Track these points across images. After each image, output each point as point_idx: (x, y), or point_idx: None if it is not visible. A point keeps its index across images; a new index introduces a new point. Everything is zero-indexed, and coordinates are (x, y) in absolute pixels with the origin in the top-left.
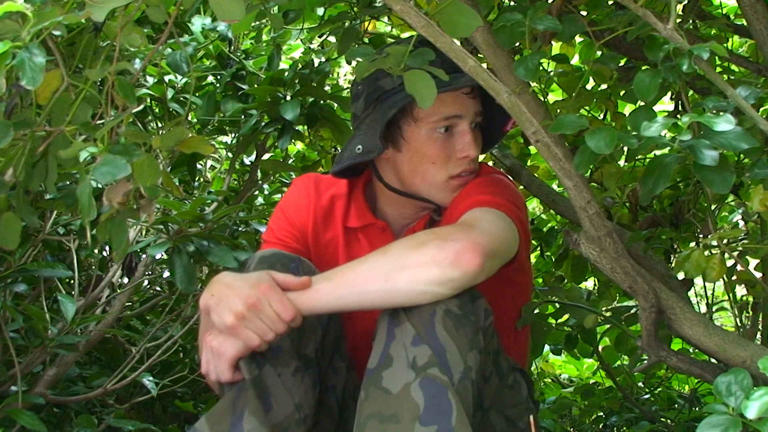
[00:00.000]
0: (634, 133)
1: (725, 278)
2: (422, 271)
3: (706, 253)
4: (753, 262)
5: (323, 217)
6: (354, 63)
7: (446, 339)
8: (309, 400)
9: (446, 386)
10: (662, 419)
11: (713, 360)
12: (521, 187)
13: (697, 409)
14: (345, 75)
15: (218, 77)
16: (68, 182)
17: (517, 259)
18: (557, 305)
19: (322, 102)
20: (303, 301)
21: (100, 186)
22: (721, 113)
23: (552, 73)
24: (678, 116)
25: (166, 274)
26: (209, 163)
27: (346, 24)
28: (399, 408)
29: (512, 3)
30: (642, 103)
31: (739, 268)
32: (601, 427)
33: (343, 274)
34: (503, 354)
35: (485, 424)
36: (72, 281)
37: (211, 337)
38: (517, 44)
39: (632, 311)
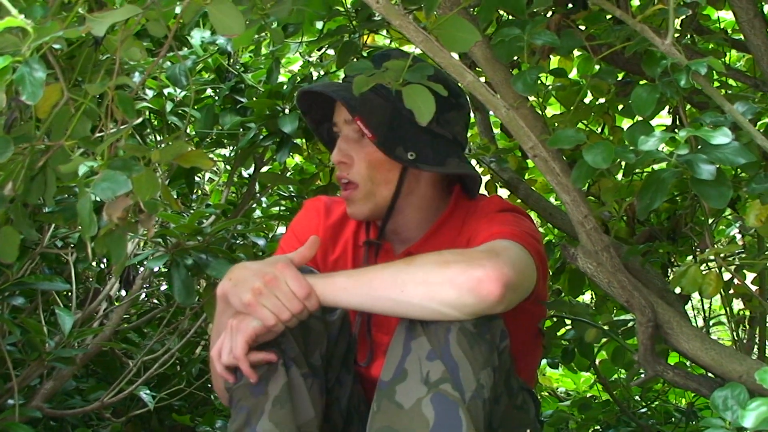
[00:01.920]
0: (631, 147)
1: (722, 292)
2: (439, 290)
3: (703, 268)
4: (750, 276)
5: (332, 236)
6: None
7: (460, 356)
8: (318, 407)
9: (457, 403)
10: None
11: (710, 374)
12: (519, 201)
13: (694, 423)
14: None
15: (217, 90)
16: (66, 195)
17: (534, 293)
18: (554, 318)
19: None
20: (316, 288)
21: (99, 200)
22: (719, 128)
23: (550, 87)
24: (675, 131)
25: (164, 287)
26: (207, 175)
27: (345, 37)
28: (410, 423)
29: (510, 17)
30: (640, 118)
31: (736, 282)
32: None
33: (363, 274)
34: (514, 375)
35: None
36: (69, 294)
37: (232, 320)
38: (515, 58)
39: (629, 325)
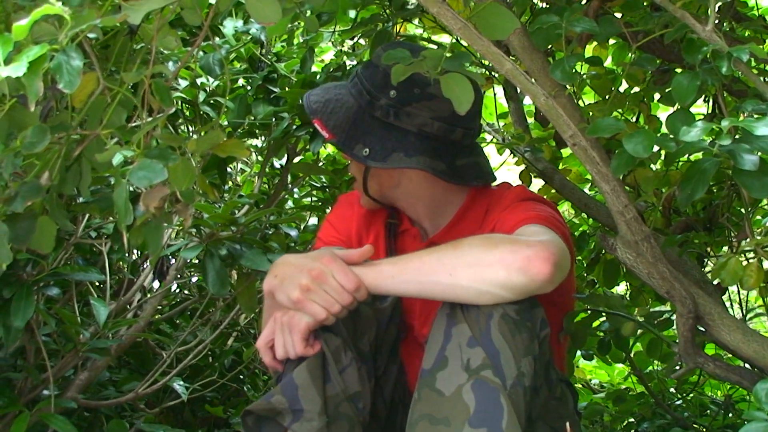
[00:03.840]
0: (671, 136)
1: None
2: (489, 271)
3: (743, 260)
4: None
5: (366, 224)
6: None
7: (501, 343)
8: (366, 391)
9: (498, 389)
10: (695, 426)
11: (747, 366)
12: (553, 191)
13: (731, 415)
14: None
15: (250, 80)
16: (100, 186)
17: (563, 281)
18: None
19: None
20: (363, 279)
21: (135, 189)
22: (760, 117)
23: (585, 76)
24: (715, 120)
25: (195, 278)
26: (239, 166)
27: (378, 26)
28: (450, 410)
29: (546, 5)
30: (678, 107)
31: None
32: None
33: (409, 260)
34: (553, 366)
35: None
36: (103, 285)
37: (280, 314)
38: (549, 47)
39: (664, 316)
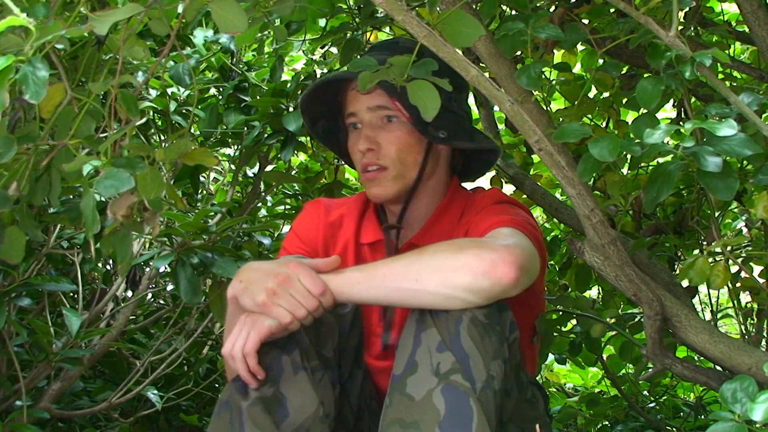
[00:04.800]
0: (637, 140)
1: (730, 285)
2: (454, 276)
3: (711, 260)
4: (757, 269)
5: (332, 233)
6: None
7: (470, 347)
8: (330, 399)
9: (468, 393)
10: (668, 427)
11: (718, 367)
12: (524, 196)
13: (702, 417)
14: None
15: (221, 89)
16: (72, 196)
17: (533, 285)
18: (560, 313)
19: None
20: (330, 285)
21: (103, 199)
22: (724, 120)
23: (554, 82)
24: (680, 123)
25: (170, 287)
26: (212, 175)
27: (348, 35)
28: (421, 414)
29: (513, 12)
30: (644, 111)
31: (743, 275)
32: None
33: (375, 267)
34: (523, 368)
35: None
36: (76, 295)
37: (244, 316)
38: (519, 53)
39: (636, 319)
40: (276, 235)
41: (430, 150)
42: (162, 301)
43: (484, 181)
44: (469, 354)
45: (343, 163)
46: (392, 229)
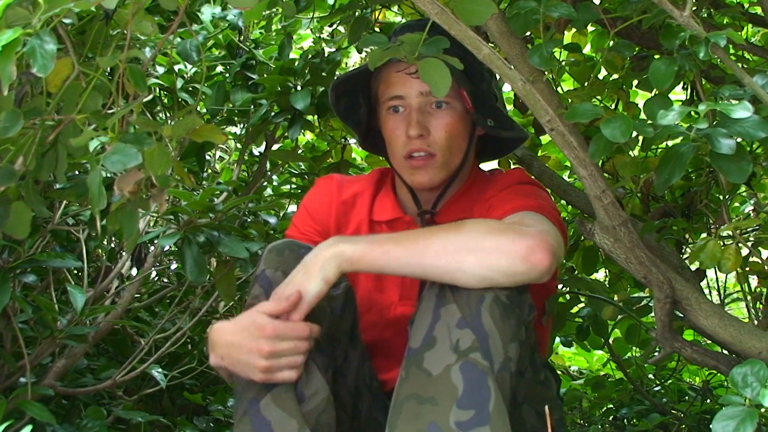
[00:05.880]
0: (649, 121)
1: (738, 269)
2: (491, 258)
3: (721, 243)
4: (765, 253)
5: (345, 212)
6: (365, 52)
7: (491, 327)
8: (322, 383)
9: (486, 372)
10: (673, 411)
11: (726, 351)
12: (532, 177)
13: (708, 401)
14: (355, 64)
15: (228, 67)
16: (78, 172)
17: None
18: (568, 296)
19: None
20: (368, 260)
21: (110, 175)
22: (739, 101)
23: (564, 63)
24: (693, 105)
25: (174, 265)
26: (218, 154)
27: (357, 13)
28: (438, 390)
29: None
30: (656, 92)
31: (752, 259)
32: (611, 419)
33: (414, 240)
34: (537, 351)
35: (518, 418)
36: (81, 272)
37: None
38: (528, 34)
39: (643, 302)
40: (282, 214)
41: (472, 137)
42: (166, 280)
43: (492, 163)
44: (489, 334)
45: (350, 142)
46: (426, 215)
